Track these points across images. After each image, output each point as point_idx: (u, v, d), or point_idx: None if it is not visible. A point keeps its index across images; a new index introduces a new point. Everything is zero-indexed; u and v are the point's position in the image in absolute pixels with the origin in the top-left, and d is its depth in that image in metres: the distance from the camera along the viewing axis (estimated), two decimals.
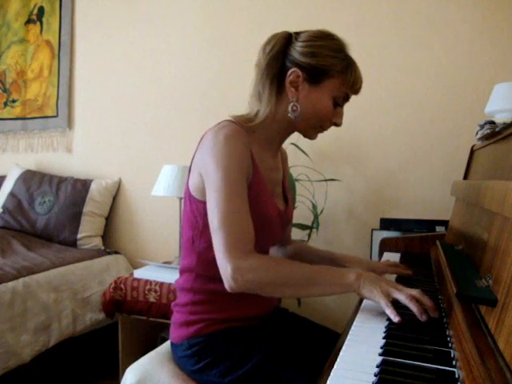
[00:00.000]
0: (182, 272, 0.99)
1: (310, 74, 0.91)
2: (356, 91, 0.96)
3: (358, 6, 1.99)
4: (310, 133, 0.98)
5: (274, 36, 0.95)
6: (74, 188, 2.42)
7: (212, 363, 0.89)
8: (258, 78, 0.94)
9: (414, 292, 0.77)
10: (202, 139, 0.93)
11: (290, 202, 1.10)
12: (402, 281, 1.05)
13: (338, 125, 0.97)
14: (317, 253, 1.19)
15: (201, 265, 0.93)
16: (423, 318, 0.73)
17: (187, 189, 0.96)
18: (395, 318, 0.73)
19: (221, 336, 0.92)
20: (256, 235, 0.92)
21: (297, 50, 0.91)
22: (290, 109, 0.93)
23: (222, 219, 0.81)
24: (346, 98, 0.97)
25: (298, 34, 0.94)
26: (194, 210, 0.93)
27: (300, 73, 0.91)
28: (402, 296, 0.76)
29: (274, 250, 1.24)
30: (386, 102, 1.96)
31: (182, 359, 0.94)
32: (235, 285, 0.79)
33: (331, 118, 0.95)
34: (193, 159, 0.95)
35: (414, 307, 0.74)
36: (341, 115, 0.97)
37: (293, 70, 0.91)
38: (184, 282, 0.97)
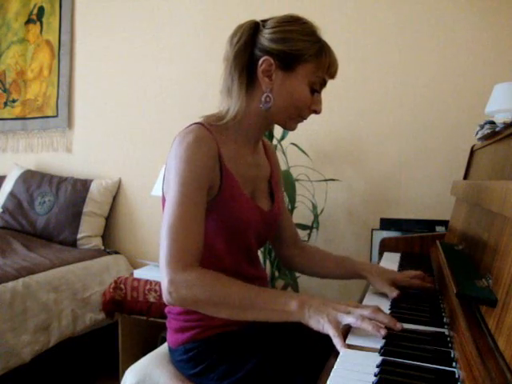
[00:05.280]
0: None
1: (283, 61, 0.86)
2: (332, 74, 0.92)
3: (358, 6, 1.99)
4: (290, 124, 0.94)
5: (240, 26, 0.90)
6: (73, 188, 2.42)
7: (209, 367, 0.88)
8: (227, 72, 0.89)
9: (366, 312, 0.71)
10: (172, 145, 0.90)
11: (279, 198, 1.05)
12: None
13: (317, 112, 0.93)
14: (331, 259, 1.11)
15: None
16: (381, 334, 0.67)
17: (163, 197, 0.93)
18: (341, 349, 0.65)
19: (217, 341, 0.90)
20: (236, 241, 0.91)
21: (266, 38, 0.87)
22: (262, 100, 0.88)
23: (169, 227, 0.78)
24: (323, 83, 0.92)
25: (264, 21, 0.90)
26: None
27: (272, 61, 0.86)
28: (353, 319, 0.70)
29: (280, 257, 1.18)
30: (386, 101, 1.96)
31: (180, 363, 0.94)
32: (170, 299, 0.76)
33: (310, 105, 0.91)
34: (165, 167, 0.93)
35: (367, 326, 0.68)
36: (319, 102, 0.93)
37: (264, 58, 0.87)
38: None
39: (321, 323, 0.71)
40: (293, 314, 0.74)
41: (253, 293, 0.77)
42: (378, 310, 0.73)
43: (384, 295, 0.95)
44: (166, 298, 0.77)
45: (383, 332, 0.67)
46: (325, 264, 1.11)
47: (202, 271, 0.78)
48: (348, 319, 0.70)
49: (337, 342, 0.67)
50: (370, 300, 0.93)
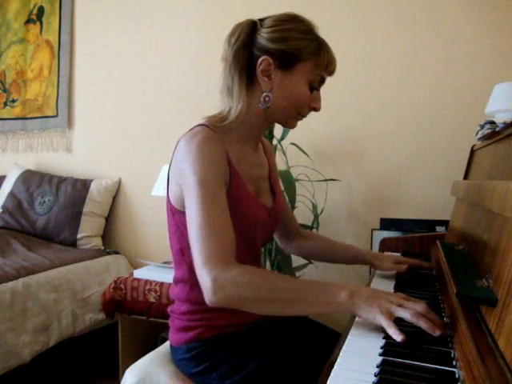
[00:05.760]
0: (176, 282, 0.97)
1: (282, 60, 0.87)
2: (331, 72, 0.92)
3: (359, 6, 1.99)
4: (290, 122, 0.95)
5: (238, 26, 0.90)
6: (73, 188, 2.42)
7: (211, 367, 0.88)
8: (227, 72, 0.89)
9: (420, 308, 0.70)
10: (176, 147, 0.89)
11: (279, 195, 1.07)
12: (403, 281, 1.04)
13: (316, 109, 0.94)
14: (336, 247, 1.16)
15: (193, 275, 0.86)
16: (436, 333, 0.66)
17: (168, 200, 0.93)
18: (399, 337, 0.65)
19: (220, 340, 0.90)
20: (243, 240, 0.90)
21: (264, 37, 0.87)
22: (261, 99, 0.88)
23: (200, 229, 0.77)
24: (322, 81, 0.93)
25: (262, 20, 0.91)
26: (178, 222, 0.91)
27: (271, 60, 0.87)
28: (407, 314, 0.68)
29: (287, 247, 1.22)
30: (386, 102, 1.96)
31: (182, 362, 0.94)
32: (216, 299, 0.73)
33: (309, 103, 0.91)
34: (169, 168, 0.92)
35: (423, 324, 0.67)
36: (318, 99, 0.93)
37: (263, 58, 0.87)
38: (180, 292, 0.95)
39: (372, 314, 0.71)
40: (343, 305, 0.73)
41: (302, 286, 0.77)
42: (429, 308, 0.71)
43: (387, 285, 0.98)
44: (209, 298, 0.74)
45: (438, 333, 0.66)
46: (334, 250, 1.17)
47: (244, 268, 0.76)
48: (402, 313, 0.69)
49: (393, 332, 0.66)
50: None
